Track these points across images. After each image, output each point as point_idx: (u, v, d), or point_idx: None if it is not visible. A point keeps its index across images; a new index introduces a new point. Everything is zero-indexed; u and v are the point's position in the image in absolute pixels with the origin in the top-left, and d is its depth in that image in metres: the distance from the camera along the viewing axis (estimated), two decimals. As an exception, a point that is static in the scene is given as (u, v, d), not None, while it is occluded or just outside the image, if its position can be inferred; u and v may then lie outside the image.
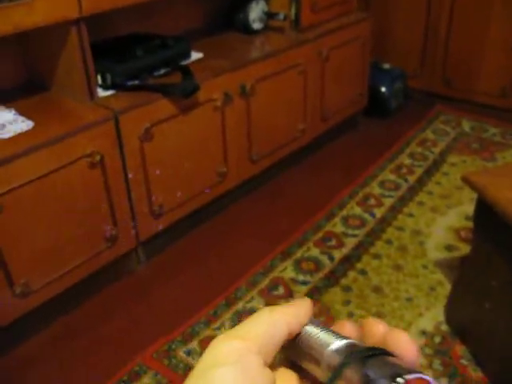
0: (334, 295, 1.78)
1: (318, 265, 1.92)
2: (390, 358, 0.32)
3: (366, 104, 2.84)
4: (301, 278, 1.86)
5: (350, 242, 2.02)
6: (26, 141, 1.48)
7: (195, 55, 1.99)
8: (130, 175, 1.71)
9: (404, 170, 2.49)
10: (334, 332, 0.37)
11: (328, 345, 0.35)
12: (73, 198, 1.59)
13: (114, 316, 1.75)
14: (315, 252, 1.97)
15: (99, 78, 1.73)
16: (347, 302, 1.76)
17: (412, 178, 2.43)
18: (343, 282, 1.84)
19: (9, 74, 1.82)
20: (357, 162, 2.58)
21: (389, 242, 2.03)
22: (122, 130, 1.63)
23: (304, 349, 0.38)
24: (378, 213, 2.19)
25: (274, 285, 1.83)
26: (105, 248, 1.72)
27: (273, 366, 0.37)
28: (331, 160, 2.59)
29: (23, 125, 1.56)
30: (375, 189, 2.35)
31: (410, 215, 2.17)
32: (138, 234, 1.81)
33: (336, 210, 2.21)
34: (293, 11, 2.29)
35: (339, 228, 2.11)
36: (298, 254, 1.96)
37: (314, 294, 1.79)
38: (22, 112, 1.64)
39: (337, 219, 2.16)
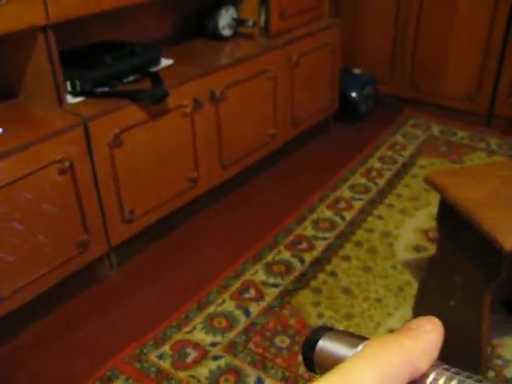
0: (305, 297, 1.81)
1: (288, 267, 1.94)
2: None
3: (336, 109, 2.88)
4: (272, 280, 1.88)
5: (321, 245, 2.05)
6: (-6, 148, 1.49)
7: (165, 62, 2.01)
8: (100, 181, 1.72)
9: (374, 174, 2.53)
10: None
11: None
12: (43, 204, 1.59)
13: (87, 322, 1.75)
14: (286, 255, 2.00)
15: (68, 84, 1.74)
16: (317, 304, 1.78)
17: (381, 181, 2.47)
18: (313, 284, 1.87)
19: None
20: (328, 166, 2.62)
21: (358, 244, 2.06)
22: (91, 137, 1.64)
23: None
24: (348, 215, 2.23)
25: (245, 288, 1.85)
26: (76, 254, 1.73)
27: None
28: (302, 165, 2.63)
29: (-9, 132, 1.56)
30: (346, 192, 2.39)
31: (380, 217, 2.21)
32: (109, 239, 1.82)
33: (307, 213, 2.24)
34: (262, 18, 2.33)
35: (310, 231, 2.13)
36: (269, 258, 1.99)
37: (284, 296, 1.82)
38: (-10, 119, 1.64)
39: (307, 223, 2.19)
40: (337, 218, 2.21)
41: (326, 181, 2.46)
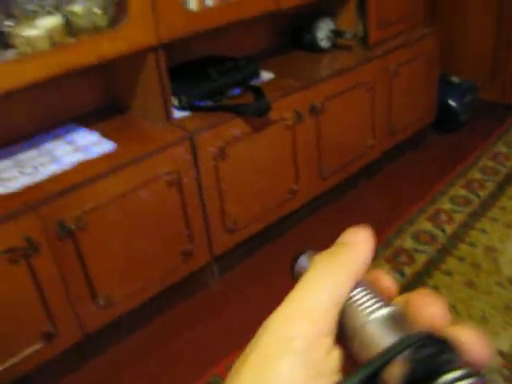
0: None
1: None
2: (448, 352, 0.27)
3: (434, 118, 2.82)
4: (372, 293, 1.87)
5: (421, 258, 2.02)
6: (109, 161, 1.58)
7: (266, 75, 2.05)
8: (204, 192, 1.77)
9: (475, 185, 2.46)
10: (377, 295, 0.31)
11: (366, 315, 0.30)
12: (152, 214, 1.67)
13: (189, 330, 1.81)
14: (386, 268, 1.98)
15: (175, 100, 1.81)
16: (420, 319, 1.75)
17: (483, 193, 2.39)
18: (415, 298, 1.84)
19: (90, 99, 1.93)
20: (426, 176, 2.57)
21: (461, 258, 2.01)
22: (197, 150, 1.70)
23: (343, 316, 0.32)
24: (449, 229, 2.18)
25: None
26: (181, 263, 1.79)
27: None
28: (400, 175, 2.59)
29: (106, 146, 1.65)
30: (446, 204, 2.34)
31: (483, 231, 2.14)
32: (212, 249, 1.87)
33: (406, 225, 2.21)
34: (360, 29, 2.32)
35: (409, 244, 2.10)
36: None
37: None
38: (104, 134, 1.74)
39: (407, 235, 2.15)
40: (437, 231, 2.17)
41: (425, 192, 2.42)
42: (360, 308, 0.30)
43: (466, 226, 2.18)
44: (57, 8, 1.68)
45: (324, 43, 2.30)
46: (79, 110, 1.92)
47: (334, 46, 2.35)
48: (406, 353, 0.27)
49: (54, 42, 1.55)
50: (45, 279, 1.50)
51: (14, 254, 1.42)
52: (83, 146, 1.68)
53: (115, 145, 1.66)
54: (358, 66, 2.21)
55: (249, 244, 2.04)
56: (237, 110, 1.78)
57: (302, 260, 0.38)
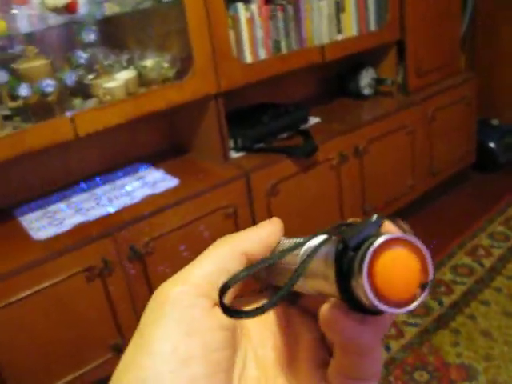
0: (444, 337, 1.91)
1: (427, 309, 2.05)
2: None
3: (474, 160, 2.96)
4: (411, 320, 2.01)
5: (459, 289, 2.15)
6: (173, 195, 1.80)
7: (313, 120, 2.26)
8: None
9: (513, 223, 2.58)
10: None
11: (304, 243, 0.31)
12: (210, 243, 1.86)
13: None
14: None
15: (231, 141, 2.03)
16: (456, 344, 1.88)
17: (521, 230, 2.51)
18: (452, 325, 1.97)
19: (155, 141, 2.18)
20: (466, 214, 2.69)
21: (498, 289, 2.12)
22: (252, 186, 1.91)
23: (279, 264, 0.34)
24: (487, 262, 2.30)
25: (386, 326, 1.99)
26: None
27: (242, 302, 0.35)
28: (441, 213, 2.73)
29: (170, 182, 1.88)
30: (484, 240, 2.46)
31: (520, 265, 2.26)
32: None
33: (445, 259, 2.34)
34: (400, 77, 2.52)
35: (448, 276, 2.23)
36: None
37: (423, 335, 1.93)
38: (168, 171, 1.97)
39: (446, 268, 2.29)
40: (475, 265, 2.29)
41: (465, 229, 2.55)
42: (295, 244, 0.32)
43: (504, 259, 2.30)
44: (131, 63, 1.94)
45: (367, 90, 2.50)
46: (145, 150, 2.17)
47: (376, 93, 2.55)
48: (325, 240, 0.29)
49: (129, 91, 1.80)
50: (116, 296, 1.71)
51: (91, 273, 1.64)
52: (150, 181, 1.92)
53: (178, 181, 1.88)
54: (398, 111, 2.39)
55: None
56: (287, 152, 1.98)
57: None
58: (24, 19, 1.65)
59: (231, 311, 0.29)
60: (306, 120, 2.23)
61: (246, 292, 0.36)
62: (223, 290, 0.30)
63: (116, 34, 2.02)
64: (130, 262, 1.71)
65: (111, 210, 1.76)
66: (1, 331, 1.53)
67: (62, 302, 1.63)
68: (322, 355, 0.33)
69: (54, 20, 1.69)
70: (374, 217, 0.28)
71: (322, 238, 0.29)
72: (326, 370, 0.31)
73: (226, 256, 0.33)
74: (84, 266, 1.62)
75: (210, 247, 0.34)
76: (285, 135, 2.14)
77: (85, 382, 1.75)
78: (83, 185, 1.98)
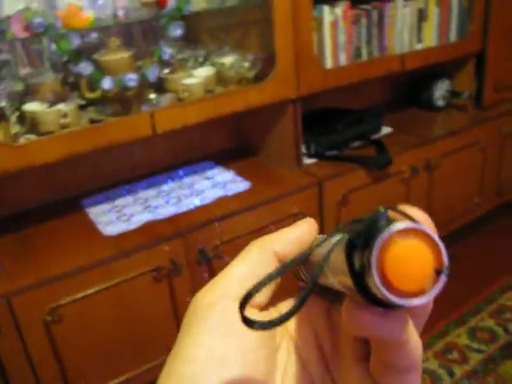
0: (511, 368, 1.84)
1: (493, 335, 1.98)
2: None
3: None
4: (475, 345, 1.93)
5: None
6: (245, 199, 1.76)
7: (385, 129, 2.19)
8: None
9: None
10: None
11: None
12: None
13: None
14: (490, 323, 2.04)
15: (304, 147, 1.98)
16: (524, 376, 1.81)
17: None
18: (519, 355, 1.89)
19: (224, 139, 2.15)
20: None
21: None
22: (323, 195, 1.86)
23: (313, 263, 0.33)
24: (554, 291, 2.21)
25: (449, 349, 1.92)
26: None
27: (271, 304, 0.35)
28: (503, 235, 2.63)
29: (242, 185, 1.84)
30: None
31: None
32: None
33: (511, 283, 2.26)
34: (475, 90, 2.43)
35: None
36: (472, 323, 2.04)
37: (489, 363, 1.86)
38: (238, 173, 1.93)
39: (511, 293, 2.21)
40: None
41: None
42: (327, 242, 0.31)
43: None
44: (206, 59, 1.90)
45: (440, 102, 2.42)
46: (211, 149, 2.13)
47: (449, 105, 2.46)
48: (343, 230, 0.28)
49: (207, 89, 1.76)
50: (180, 299, 1.68)
51: (158, 274, 1.61)
52: (220, 182, 1.88)
53: (250, 184, 1.84)
54: (471, 127, 2.31)
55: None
56: (360, 162, 1.92)
57: None
58: (109, 10, 1.62)
59: (250, 322, 0.28)
60: (378, 129, 2.16)
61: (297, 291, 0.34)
62: (245, 300, 0.28)
63: (192, 29, 1.98)
64: (198, 265, 1.68)
65: (180, 209, 1.73)
66: (66, 326, 1.51)
67: (127, 300, 1.60)
68: (363, 349, 0.32)
69: (140, 13, 1.66)
70: (381, 208, 0.26)
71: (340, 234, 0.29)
72: (368, 364, 0.31)
73: (256, 258, 0.33)
74: (152, 266, 1.60)
75: (243, 250, 0.34)
76: (356, 144, 2.08)
77: (143, 381, 1.73)
78: (150, 179, 1.95)
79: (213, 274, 1.70)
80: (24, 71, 1.77)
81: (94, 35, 1.70)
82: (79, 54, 1.55)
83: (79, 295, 1.51)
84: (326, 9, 1.86)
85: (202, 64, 1.89)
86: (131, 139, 1.57)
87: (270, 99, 1.76)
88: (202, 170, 2.00)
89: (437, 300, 0.29)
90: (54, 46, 1.54)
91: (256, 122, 2.05)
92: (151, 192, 1.87)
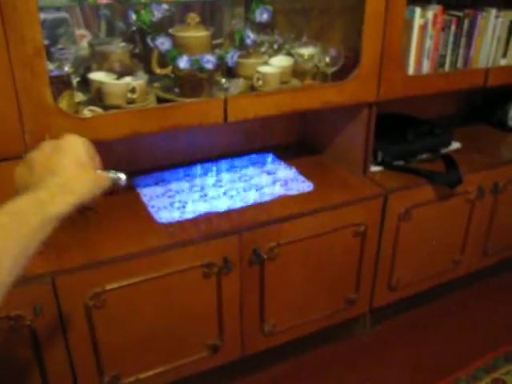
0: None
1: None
2: None
3: None
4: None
5: None
6: (308, 201, 1.66)
7: (453, 145, 2.07)
8: (382, 248, 1.82)
9: None
10: None
11: None
12: (331, 260, 1.73)
13: (325, 374, 1.86)
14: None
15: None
16: None
17: None
18: None
19: (286, 133, 2.05)
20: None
21: None
22: (387, 207, 1.75)
23: None
24: None
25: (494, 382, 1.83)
26: (342, 309, 1.85)
27: None
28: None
29: (304, 185, 1.74)
30: None
31: None
32: (372, 301, 1.91)
33: None
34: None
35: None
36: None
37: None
38: (300, 171, 1.83)
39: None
40: None
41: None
42: None
43: None
44: (281, 47, 1.79)
45: (512, 122, 2.29)
46: (271, 142, 2.03)
47: (522, 127, 2.33)
48: None
49: (282, 80, 1.65)
50: (226, 297, 1.60)
51: (209, 270, 1.52)
52: (282, 179, 1.78)
53: (313, 185, 1.74)
54: (543, 152, 2.18)
55: (403, 302, 2.05)
56: (430, 177, 1.81)
57: None
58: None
59: None
60: (448, 144, 2.04)
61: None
62: None
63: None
64: (250, 266, 1.59)
65: (238, 204, 1.63)
66: (107, 312, 1.44)
67: (173, 293, 1.52)
68: None
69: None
70: None
71: None
72: None
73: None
74: (204, 261, 1.51)
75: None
76: (425, 156, 1.96)
77: (174, 376, 1.66)
78: (206, 165, 1.86)
79: (263, 275, 1.62)
80: (78, 32, 1.68)
81: (166, 8, 1.59)
82: (159, 28, 1.46)
83: (124, 282, 1.43)
84: (418, 11, 1.73)
85: (276, 52, 1.78)
86: (200, 124, 1.47)
87: (349, 100, 1.65)
88: (261, 162, 1.90)
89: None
90: (133, 16, 1.44)
91: (324, 120, 1.94)
92: (208, 180, 1.78)
